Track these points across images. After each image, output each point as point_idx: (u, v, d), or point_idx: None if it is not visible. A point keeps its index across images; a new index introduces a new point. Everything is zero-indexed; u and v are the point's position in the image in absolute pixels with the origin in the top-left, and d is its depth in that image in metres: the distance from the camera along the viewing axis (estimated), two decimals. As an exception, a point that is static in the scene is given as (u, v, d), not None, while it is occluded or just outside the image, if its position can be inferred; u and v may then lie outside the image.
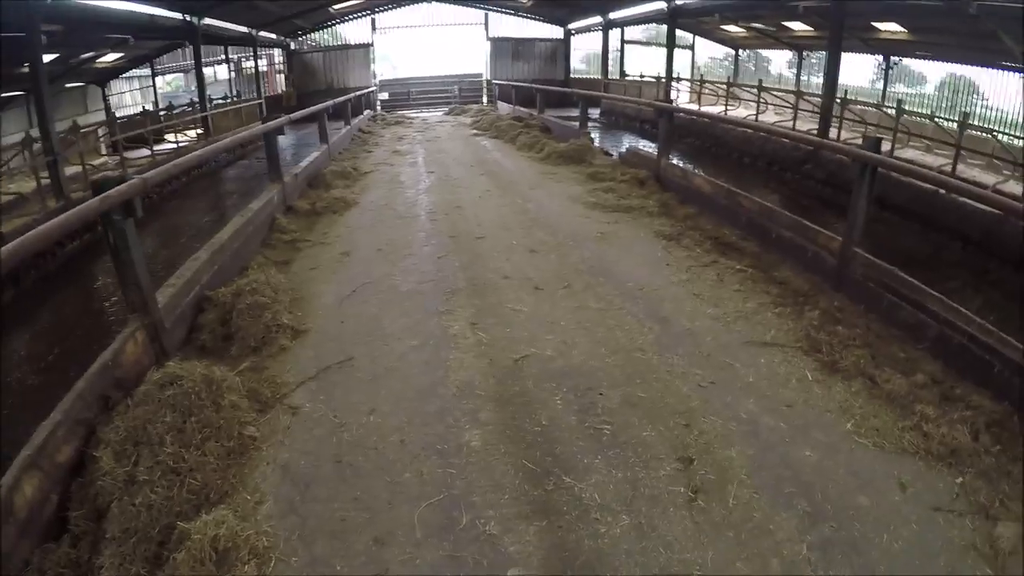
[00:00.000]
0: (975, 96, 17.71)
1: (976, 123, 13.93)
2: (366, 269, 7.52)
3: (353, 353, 5.45)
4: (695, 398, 4.67)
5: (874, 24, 17.13)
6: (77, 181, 13.25)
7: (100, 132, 17.96)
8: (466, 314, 6.17)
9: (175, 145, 19.24)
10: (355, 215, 10.14)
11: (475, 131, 21.23)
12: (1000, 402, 4.47)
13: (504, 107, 26.28)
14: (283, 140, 10.75)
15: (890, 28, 17.05)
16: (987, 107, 16.50)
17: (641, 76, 26.88)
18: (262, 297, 5.93)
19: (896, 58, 19.80)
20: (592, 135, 16.68)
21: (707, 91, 23.24)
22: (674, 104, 13.54)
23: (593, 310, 6.16)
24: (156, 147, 17.40)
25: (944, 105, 18.49)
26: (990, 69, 15.75)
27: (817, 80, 23.01)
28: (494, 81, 32.17)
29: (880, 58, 20.38)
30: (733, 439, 4.18)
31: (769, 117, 18.34)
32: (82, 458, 3.82)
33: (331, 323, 6.07)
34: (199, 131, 21.68)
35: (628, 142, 18.73)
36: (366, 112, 25.51)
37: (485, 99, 33.90)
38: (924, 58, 18.54)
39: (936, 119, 14.47)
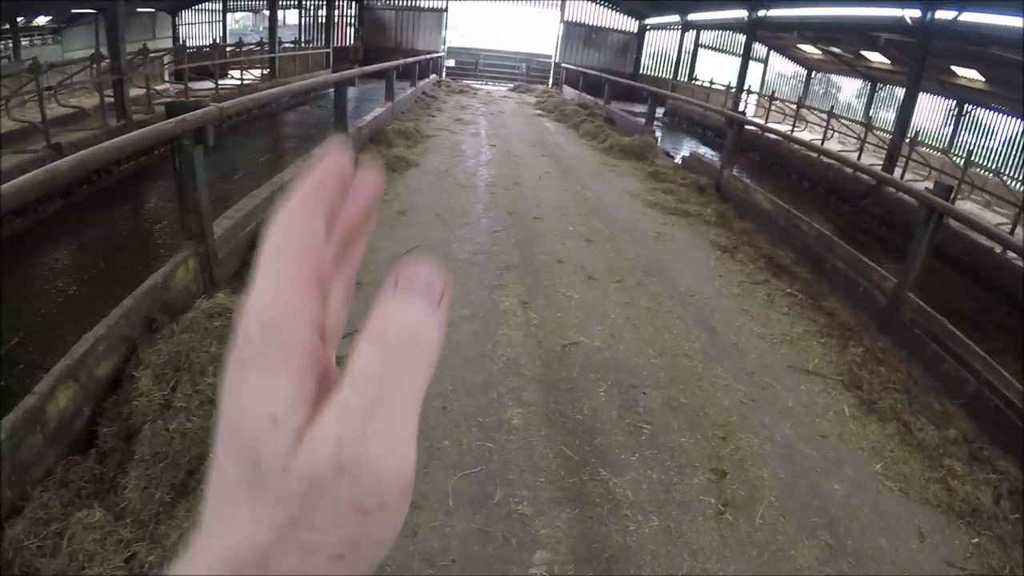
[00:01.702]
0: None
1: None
2: (423, 231, 7.65)
3: (404, 315, 5.57)
4: (735, 413, 4.78)
5: (953, 68, 16.91)
6: (139, 103, 13.42)
7: (167, 59, 18.14)
8: (518, 292, 6.29)
9: (239, 82, 19.39)
10: (414, 176, 10.24)
11: (539, 111, 21.21)
12: None
13: (570, 92, 26.17)
14: (348, 92, 10.83)
15: (968, 74, 16.82)
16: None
17: (711, 82, 26.64)
18: None
19: (969, 106, 19.52)
20: (656, 134, 16.65)
21: (774, 108, 23.03)
22: (743, 114, 13.43)
23: (643, 308, 6.27)
24: (220, 81, 17.55)
25: (1011, 161, 18.23)
26: None
27: (884, 114, 22.74)
28: (563, 64, 31.91)
29: (953, 103, 20.10)
30: (767, 460, 4.30)
31: (833, 145, 18.18)
32: (120, 376, 3.90)
33: (384, 279, 6.15)
34: (265, 71, 21.82)
35: (690, 146, 18.63)
36: (432, 76, 25.48)
37: (551, 81, 33.64)
38: (998, 110, 18.25)
39: (1001, 175, 14.32)
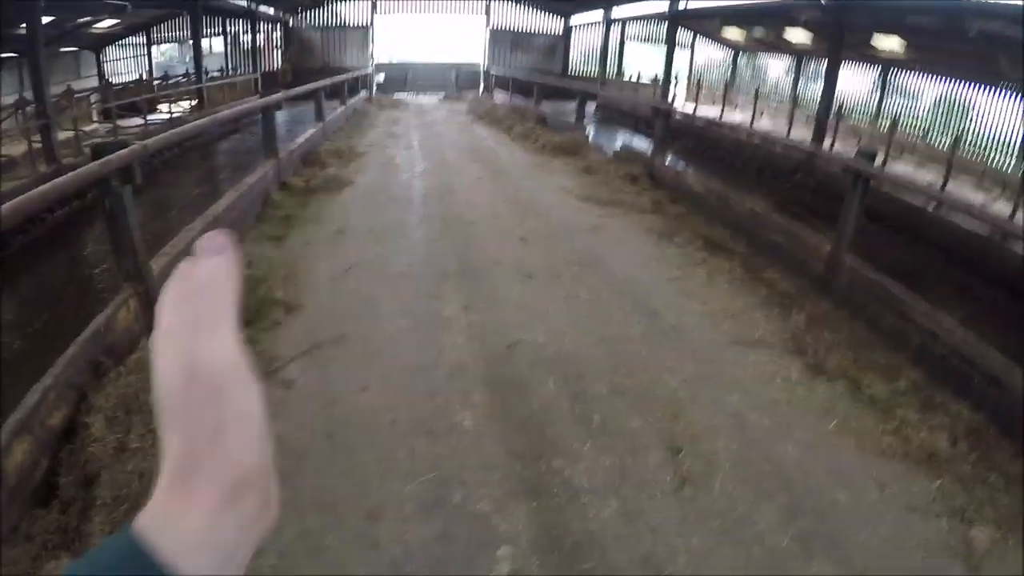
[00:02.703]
0: (968, 116, 17.87)
1: (967, 143, 14.13)
2: (360, 248, 7.53)
3: (346, 330, 5.47)
4: (682, 391, 4.75)
5: (874, 37, 17.29)
6: (69, 146, 13.06)
7: (93, 98, 17.77)
8: (458, 298, 6.21)
9: (168, 116, 19.07)
10: (349, 194, 10.12)
11: (471, 118, 21.21)
12: (978, 412, 4.60)
13: (501, 97, 26.25)
14: (278, 116, 10.71)
15: (890, 43, 17.20)
16: (979, 127, 16.64)
17: (639, 75, 26.92)
18: (256, 271, 5.96)
19: (895, 71, 19.95)
20: (587, 130, 16.73)
21: (704, 93, 23.34)
22: (671, 104, 13.56)
23: (583, 300, 6.23)
24: (149, 116, 17.21)
25: (938, 122, 18.66)
26: (985, 89, 15.88)
27: (814, 89, 23.17)
28: (492, 71, 32.04)
29: (878, 72, 20.54)
30: (719, 432, 4.27)
31: (764, 123, 18.48)
32: (73, 424, 3.81)
33: (324, 300, 6.09)
34: (193, 103, 21.51)
35: (623, 139, 18.77)
36: (362, 93, 25.34)
37: (482, 88, 33.70)
38: (922, 72, 18.69)
39: (927, 138, 14.68)
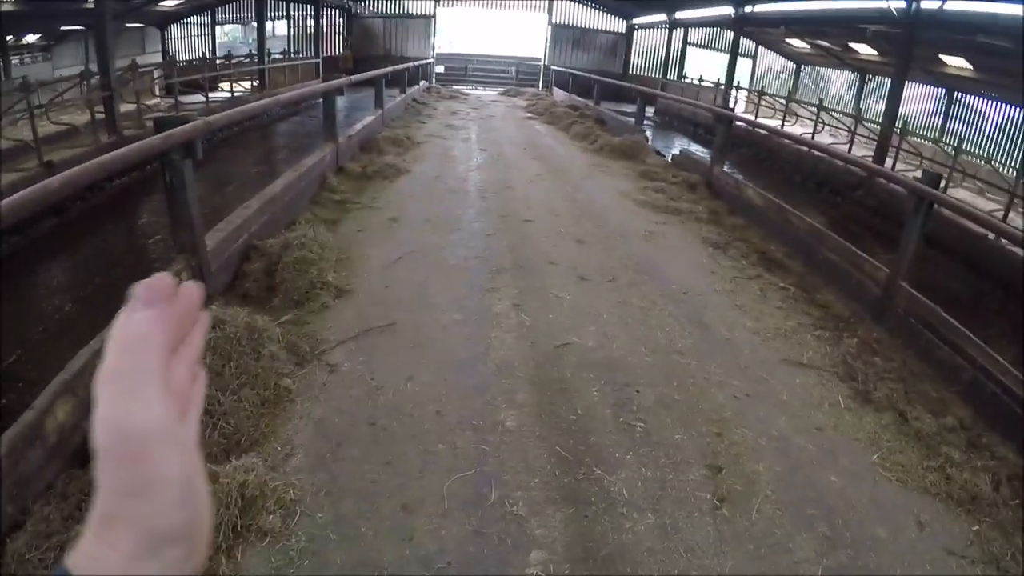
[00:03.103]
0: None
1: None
2: (414, 237, 7.63)
3: (396, 319, 5.56)
4: (729, 408, 4.76)
5: (941, 56, 16.94)
6: (130, 119, 13.43)
7: (157, 73, 18.13)
8: (510, 294, 6.27)
9: (229, 94, 19.37)
10: (406, 183, 10.23)
11: (529, 114, 21.23)
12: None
13: (560, 94, 26.21)
14: (338, 101, 10.83)
15: (956, 63, 16.84)
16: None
17: (700, 80, 26.67)
18: (309, 252, 6.06)
19: (958, 94, 19.52)
20: (646, 133, 16.66)
21: (764, 103, 23.05)
22: (732, 111, 13.43)
23: (636, 307, 6.25)
24: (211, 94, 17.53)
25: (1002, 147, 18.20)
26: None
27: (875, 106, 22.72)
28: (552, 67, 31.96)
29: (942, 92, 20.10)
30: (762, 454, 4.28)
31: (824, 138, 18.19)
32: None
33: (375, 286, 6.19)
34: (254, 83, 21.81)
35: (681, 144, 18.64)
36: (422, 83, 25.49)
37: (541, 84, 33.63)
38: (987, 97, 18.26)
39: (992, 162, 14.34)
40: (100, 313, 4.21)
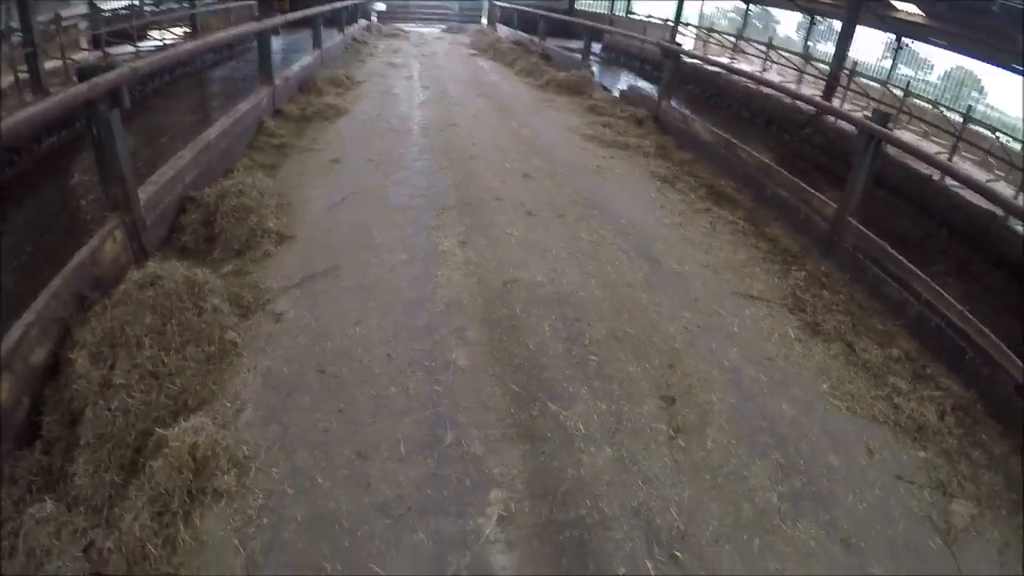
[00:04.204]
0: (977, 92, 17.71)
1: (976, 118, 13.96)
2: (356, 178, 7.36)
3: (340, 262, 5.38)
4: (680, 340, 4.73)
5: (892, 1, 16.95)
6: (57, 76, 12.61)
7: (83, 25, 17.18)
8: (457, 232, 6.11)
9: (161, 43, 18.46)
10: (346, 124, 9.87)
11: (473, 51, 20.76)
12: (968, 388, 4.67)
13: (504, 30, 25.66)
14: (274, 44, 10.36)
15: (908, 8, 16.86)
16: (987, 104, 16.49)
17: (648, 17, 26.41)
18: (248, 200, 5.76)
19: (907, 40, 19.63)
20: (593, 69, 16.45)
21: (712, 41, 22.94)
22: (680, 46, 13.29)
23: (585, 241, 6.17)
24: (141, 44, 16.56)
25: (946, 96, 18.44)
26: (999, 68, 15.62)
27: (823, 48, 22.78)
28: (496, 3, 31.29)
29: (892, 37, 20.19)
30: (715, 385, 4.27)
31: (772, 77, 18.20)
32: (56, 360, 3.68)
33: (318, 231, 5.95)
34: (186, 30, 20.88)
35: (628, 80, 18.49)
36: (362, 21, 24.62)
37: (485, 20, 32.92)
38: (937, 45, 18.39)
39: (940, 107, 14.50)
40: (33, 284, 3.95)
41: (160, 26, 19.17)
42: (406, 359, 4.22)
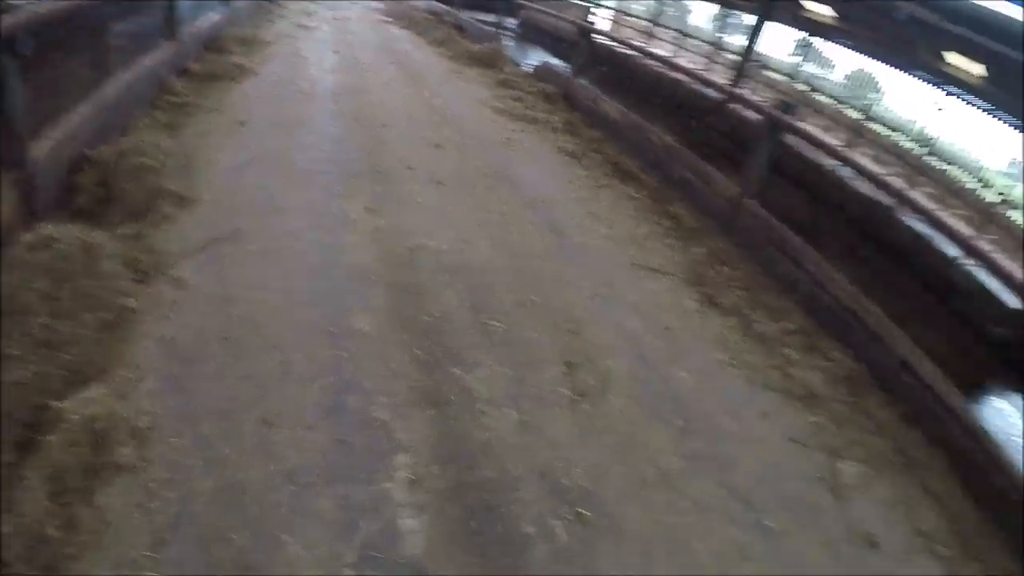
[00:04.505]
0: (875, 92, 18.47)
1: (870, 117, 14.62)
2: (262, 142, 7.09)
3: (244, 226, 5.15)
4: (583, 309, 4.81)
5: (803, 1, 17.47)
6: None
7: None
8: (364, 199, 5.98)
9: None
10: (253, 85, 9.46)
11: (387, 18, 20.38)
12: (856, 361, 4.95)
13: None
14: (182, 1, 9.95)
15: (819, 9, 17.38)
16: (882, 106, 17.19)
17: (563, -6, 26.45)
18: (148, 160, 5.46)
19: (814, 39, 20.25)
20: (507, 43, 16.43)
21: (625, 24, 23.13)
22: (594, 26, 13.41)
23: (491, 212, 6.17)
24: None
25: (847, 94, 19.15)
26: (899, 71, 16.31)
27: (734, 40, 23.28)
28: (412, -31, 30.76)
29: (804, 35, 20.79)
30: (616, 351, 4.36)
31: (684, 64, 18.48)
32: None
33: (221, 194, 5.67)
34: None
35: (541, 57, 18.54)
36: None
37: (400, -14, 32.35)
38: (845, 46, 19.04)
39: (842, 103, 15.09)
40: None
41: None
42: (311, 325, 4.12)
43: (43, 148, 4.97)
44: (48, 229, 4.00)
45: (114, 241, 4.32)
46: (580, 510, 3.11)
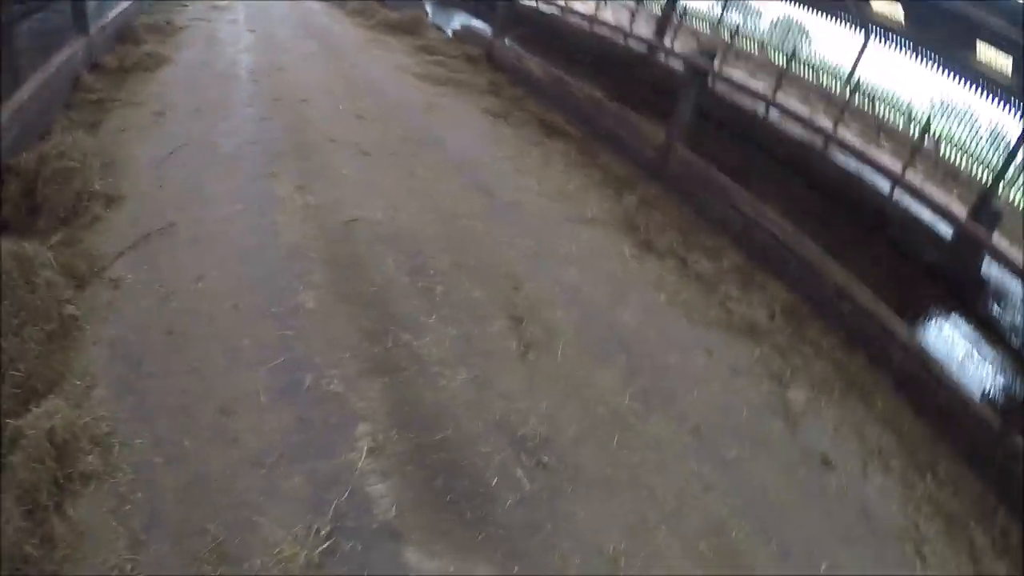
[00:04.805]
0: (803, 38, 18.82)
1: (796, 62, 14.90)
2: (183, 130, 6.87)
3: (174, 219, 5.01)
4: (521, 265, 4.85)
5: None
6: None
7: None
8: (292, 177, 5.88)
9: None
10: (169, 73, 9.14)
11: (301, -10, 19.91)
12: (793, 292, 5.10)
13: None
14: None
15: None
16: (808, 51, 17.51)
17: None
18: (69, 162, 5.28)
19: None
20: (427, 8, 16.22)
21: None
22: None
23: (420, 178, 6.13)
24: None
25: (774, 41, 19.42)
26: (825, 16, 16.56)
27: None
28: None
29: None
30: (558, 302, 4.42)
31: (606, 18, 18.49)
32: None
33: (148, 188, 5.51)
34: None
35: (463, 20, 18.36)
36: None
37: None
38: None
39: (765, 47, 15.31)
40: None
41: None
42: (254, 309, 4.08)
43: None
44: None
45: (46, 249, 4.17)
46: (541, 457, 3.17)
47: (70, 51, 8.07)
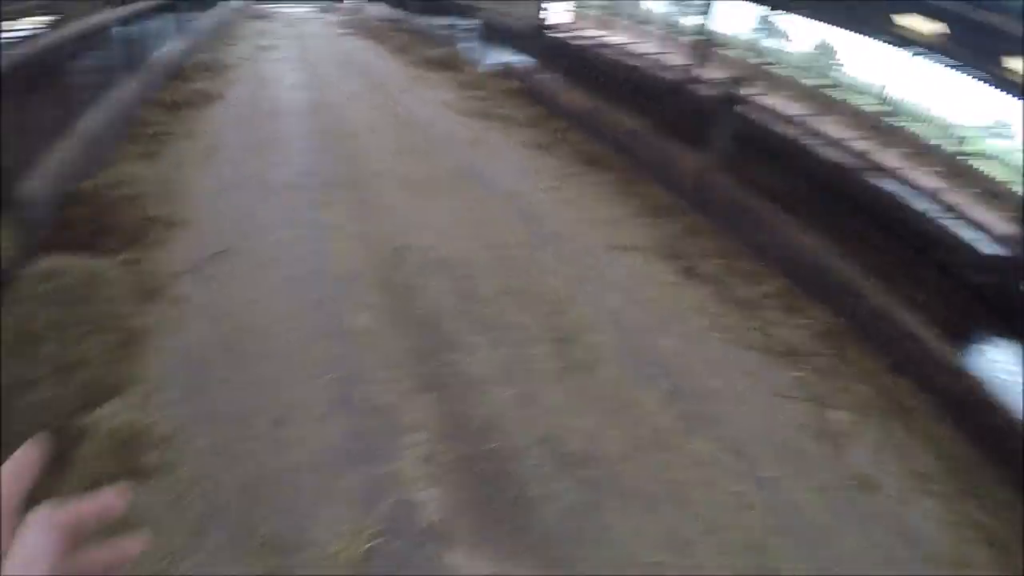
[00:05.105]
0: (834, 61, 18.84)
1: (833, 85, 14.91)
2: (236, 163, 7.18)
3: (233, 244, 5.28)
4: (565, 290, 4.97)
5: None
6: None
7: None
8: (343, 207, 6.13)
9: (22, 31, 17.28)
10: (220, 109, 9.55)
11: (344, 31, 20.38)
12: (835, 316, 5.11)
13: (375, 9, 25.30)
14: (139, 30, 9.93)
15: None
16: (844, 73, 17.52)
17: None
18: (132, 190, 5.63)
19: (771, 13, 20.50)
20: (466, 45, 16.50)
21: (583, 16, 23.26)
22: (550, 23, 13.54)
23: (467, 208, 6.32)
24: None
25: (807, 64, 19.43)
26: (858, 35, 16.55)
27: (693, 21, 23.50)
28: (368, -20, 30.65)
29: (758, 10, 21.03)
30: (601, 326, 4.52)
31: (642, 48, 18.63)
32: None
33: (206, 215, 5.81)
34: (47, 18, 19.56)
35: (502, 55, 18.66)
36: (230, 3, 23.81)
37: (357, -1, 32.22)
38: (802, 15, 19.28)
39: (798, 78, 15.39)
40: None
41: (26, 13, 17.89)
42: (308, 328, 4.26)
43: (33, 186, 5.05)
44: (52, 261, 4.11)
45: (114, 267, 4.44)
46: (584, 472, 3.25)
47: (127, 87, 8.41)
